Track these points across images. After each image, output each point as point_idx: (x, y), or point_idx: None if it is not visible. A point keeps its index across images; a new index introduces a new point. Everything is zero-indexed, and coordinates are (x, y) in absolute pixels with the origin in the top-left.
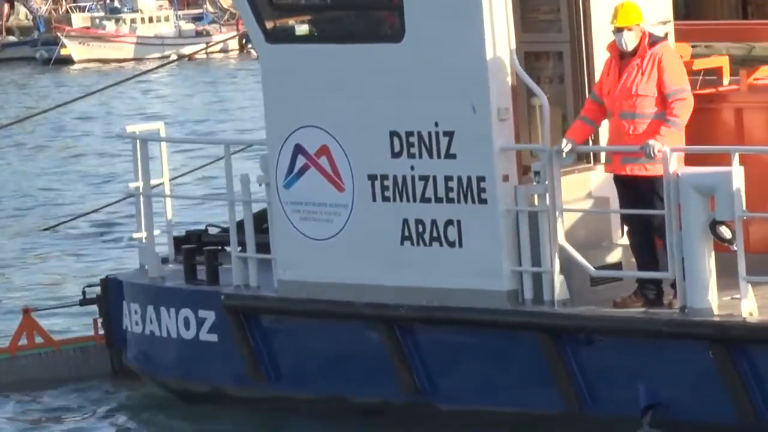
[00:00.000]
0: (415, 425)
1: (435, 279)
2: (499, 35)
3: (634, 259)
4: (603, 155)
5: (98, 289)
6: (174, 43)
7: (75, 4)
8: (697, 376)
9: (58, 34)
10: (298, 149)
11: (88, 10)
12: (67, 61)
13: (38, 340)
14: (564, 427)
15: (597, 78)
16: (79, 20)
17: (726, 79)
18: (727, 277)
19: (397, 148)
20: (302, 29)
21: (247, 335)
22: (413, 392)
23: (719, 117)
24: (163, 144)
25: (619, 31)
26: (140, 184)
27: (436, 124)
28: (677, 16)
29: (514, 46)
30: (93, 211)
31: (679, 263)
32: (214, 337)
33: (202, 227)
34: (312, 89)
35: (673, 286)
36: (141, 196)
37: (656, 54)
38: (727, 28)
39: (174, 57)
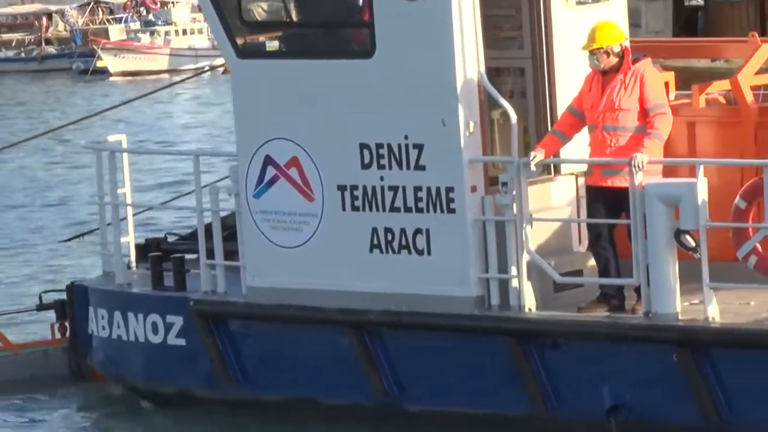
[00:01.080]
0: (384, 426)
1: (404, 285)
2: (468, 52)
3: (595, 266)
4: (563, 167)
5: (55, 295)
6: (208, 54)
7: (111, 16)
8: (661, 379)
9: (95, 46)
10: (268, 160)
11: (124, 23)
12: (103, 72)
13: None
14: (530, 428)
15: (560, 93)
16: (115, 32)
17: (672, 94)
18: (685, 283)
19: (367, 160)
20: (273, 45)
21: (216, 339)
22: (382, 394)
23: (674, 130)
24: (125, 155)
25: (590, 53)
26: (109, 193)
27: (406, 137)
28: (694, 32)
29: (483, 62)
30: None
31: (644, 270)
32: (182, 341)
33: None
34: (282, 103)
35: (637, 291)
36: (109, 205)
37: (639, 70)
38: (683, 45)
39: (207, 69)
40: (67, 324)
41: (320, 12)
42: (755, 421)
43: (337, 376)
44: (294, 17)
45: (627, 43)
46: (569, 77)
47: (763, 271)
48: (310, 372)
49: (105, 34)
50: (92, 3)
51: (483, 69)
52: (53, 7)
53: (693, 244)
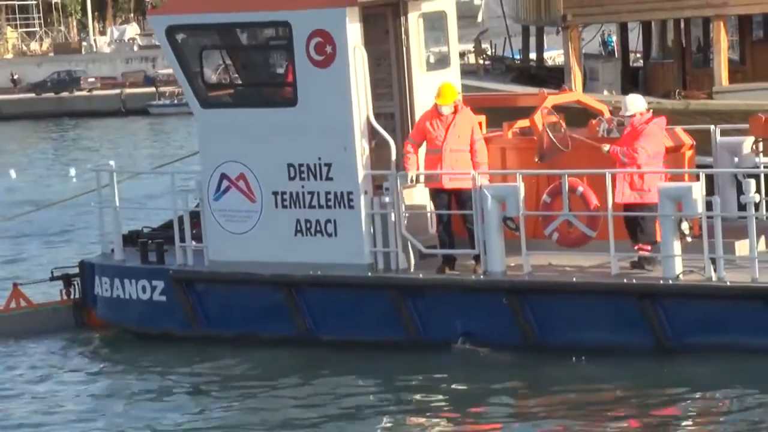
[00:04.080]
0: (304, 350)
1: (318, 258)
2: (361, 102)
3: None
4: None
5: (62, 270)
6: None
7: None
8: (495, 315)
9: None
10: (224, 176)
11: None
12: None
13: (23, 304)
14: (407, 348)
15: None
16: None
17: (485, 130)
18: (509, 252)
19: (292, 174)
20: (227, 99)
21: (188, 296)
22: (304, 330)
23: (492, 153)
24: (114, 174)
25: (440, 105)
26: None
27: (319, 158)
28: (636, 84)
29: (371, 109)
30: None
31: (482, 243)
32: (163, 298)
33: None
34: (234, 137)
35: (475, 258)
36: (114, 208)
37: (467, 112)
38: (495, 97)
39: None
40: (71, 290)
41: (258, 76)
42: (556, 340)
43: (272, 318)
44: (239, 80)
45: (460, 97)
46: None
47: (562, 243)
48: (253, 316)
49: None
50: (222, 65)
51: (371, 113)
52: None
53: (515, 226)
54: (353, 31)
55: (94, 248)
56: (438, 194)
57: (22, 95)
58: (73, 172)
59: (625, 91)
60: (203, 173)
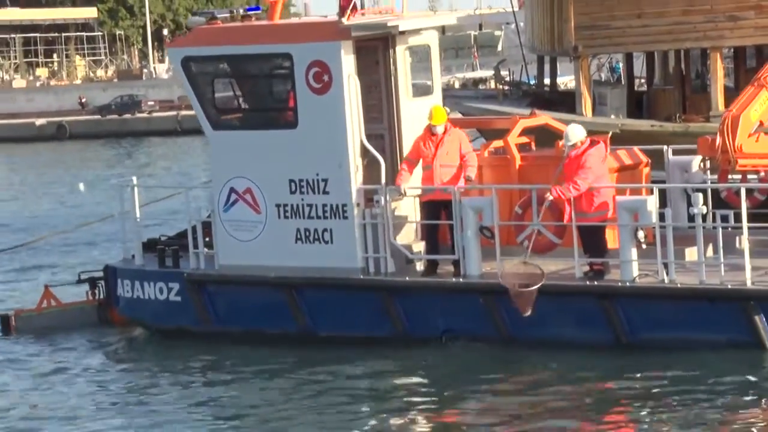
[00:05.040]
0: (303, 345)
1: (316, 262)
2: (354, 124)
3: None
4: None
5: (88, 274)
6: None
7: None
8: (473, 313)
9: None
10: (232, 190)
11: None
12: None
13: (53, 303)
14: (395, 342)
15: (405, 149)
16: None
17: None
18: (485, 257)
19: (293, 188)
20: (235, 122)
21: (201, 296)
22: (303, 326)
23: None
24: (135, 188)
25: (434, 125)
26: (135, 212)
27: (317, 174)
28: (641, 109)
29: (363, 130)
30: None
31: (462, 249)
32: (179, 298)
33: (157, 236)
34: (241, 156)
35: (454, 264)
36: (135, 219)
37: (456, 132)
38: (477, 120)
39: None
40: (96, 291)
41: (263, 101)
42: (526, 336)
43: (276, 316)
44: (247, 105)
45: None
46: (409, 140)
47: (532, 250)
48: (258, 314)
49: None
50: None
51: (363, 134)
52: None
53: (490, 234)
54: (348, 62)
55: (118, 254)
56: (425, 205)
57: (88, 117)
58: None
59: (630, 115)
60: (214, 187)
